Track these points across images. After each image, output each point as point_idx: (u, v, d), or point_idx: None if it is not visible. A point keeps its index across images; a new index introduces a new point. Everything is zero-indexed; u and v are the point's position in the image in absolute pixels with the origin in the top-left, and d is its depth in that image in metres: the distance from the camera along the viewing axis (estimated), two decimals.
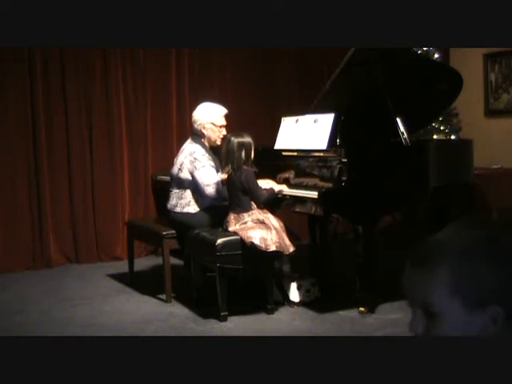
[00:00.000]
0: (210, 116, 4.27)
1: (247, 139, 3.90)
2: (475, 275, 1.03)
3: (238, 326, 3.75)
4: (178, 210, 4.23)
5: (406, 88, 4.17)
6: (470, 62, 6.09)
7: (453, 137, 5.70)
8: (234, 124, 5.07)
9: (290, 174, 4.20)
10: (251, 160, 3.94)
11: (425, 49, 5.58)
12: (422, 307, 1.08)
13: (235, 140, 3.87)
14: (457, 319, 1.05)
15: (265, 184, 4.09)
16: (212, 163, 4.20)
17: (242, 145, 3.87)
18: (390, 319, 3.74)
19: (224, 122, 4.32)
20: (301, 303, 4.05)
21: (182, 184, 4.22)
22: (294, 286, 4.08)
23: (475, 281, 1.03)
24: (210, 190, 4.11)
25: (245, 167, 3.88)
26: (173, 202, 4.27)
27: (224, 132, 4.31)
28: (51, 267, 5.36)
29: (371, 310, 3.85)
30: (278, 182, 4.15)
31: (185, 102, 5.84)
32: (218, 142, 4.29)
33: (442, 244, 1.06)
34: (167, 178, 4.86)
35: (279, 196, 4.01)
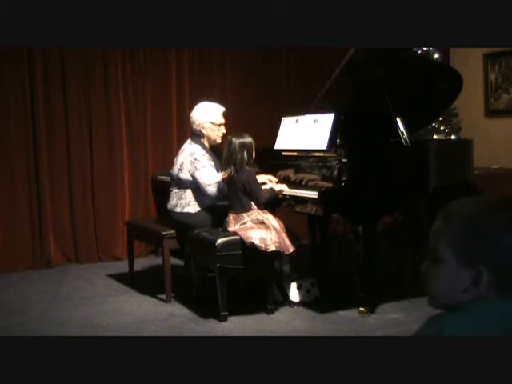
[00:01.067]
0: (208, 115, 4.27)
1: (248, 139, 3.90)
2: (475, 237, 1.16)
3: (238, 326, 3.74)
4: (178, 210, 4.23)
5: (405, 88, 4.17)
6: (470, 62, 6.09)
7: (453, 137, 5.70)
8: (234, 124, 5.08)
9: (290, 174, 4.21)
10: (253, 160, 3.94)
11: (425, 49, 5.58)
12: (432, 252, 1.23)
13: (237, 141, 3.87)
14: (450, 270, 1.19)
15: (266, 180, 4.11)
16: (212, 163, 4.20)
17: (243, 145, 3.87)
18: (390, 319, 3.74)
19: (223, 120, 4.32)
20: (301, 303, 4.05)
21: (182, 184, 4.22)
22: (293, 286, 4.08)
23: (471, 241, 1.16)
24: (212, 189, 4.12)
25: (246, 168, 3.88)
26: (173, 202, 4.27)
27: (223, 130, 4.31)
28: (51, 267, 5.36)
29: (371, 310, 3.85)
30: (278, 179, 4.16)
31: (185, 102, 5.84)
32: (218, 141, 4.30)
33: (462, 206, 1.22)
34: (167, 179, 4.86)
35: (279, 196, 4.01)
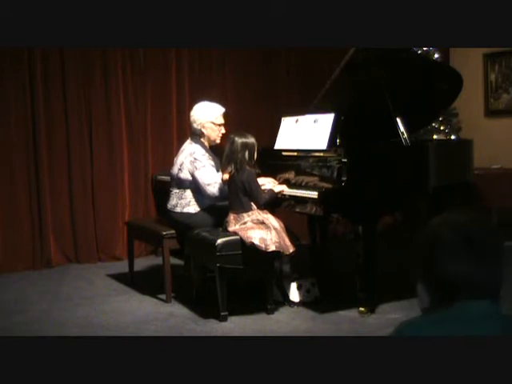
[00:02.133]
0: (209, 115, 4.27)
1: (251, 140, 3.90)
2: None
3: (238, 326, 3.74)
4: (178, 210, 4.23)
5: (405, 88, 4.16)
6: (470, 62, 6.10)
7: (453, 137, 5.70)
8: (234, 124, 5.07)
9: (290, 174, 4.20)
10: (254, 160, 3.94)
11: (425, 49, 5.58)
12: None
13: (239, 140, 3.87)
14: None
15: (266, 182, 4.10)
16: (212, 163, 4.20)
17: (245, 145, 3.87)
18: (390, 319, 3.74)
19: (223, 121, 4.32)
20: (301, 303, 4.05)
21: (182, 184, 4.22)
22: (293, 286, 4.08)
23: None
24: (212, 189, 4.11)
25: (247, 168, 3.88)
26: (173, 202, 4.27)
27: (223, 130, 4.31)
28: (51, 267, 5.36)
29: (371, 310, 3.85)
30: (278, 182, 4.16)
31: (185, 102, 5.84)
32: (218, 141, 4.30)
33: None
34: (167, 178, 4.86)
35: (279, 196, 4.01)
